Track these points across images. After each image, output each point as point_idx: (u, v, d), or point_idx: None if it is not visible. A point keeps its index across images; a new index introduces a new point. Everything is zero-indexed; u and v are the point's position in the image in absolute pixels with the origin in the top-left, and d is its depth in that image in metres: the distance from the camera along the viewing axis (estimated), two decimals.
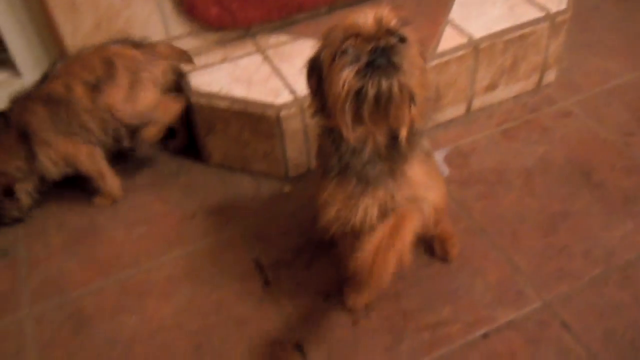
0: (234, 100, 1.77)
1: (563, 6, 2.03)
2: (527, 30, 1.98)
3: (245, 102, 1.76)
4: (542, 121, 2.02)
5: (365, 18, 1.08)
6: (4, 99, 1.93)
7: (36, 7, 1.78)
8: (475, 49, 1.91)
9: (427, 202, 1.26)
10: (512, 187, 1.78)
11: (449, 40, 1.91)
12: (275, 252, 1.65)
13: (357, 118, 1.10)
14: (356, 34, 1.07)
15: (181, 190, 1.87)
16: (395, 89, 1.06)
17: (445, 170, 1.83)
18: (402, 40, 1.08)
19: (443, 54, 1.88)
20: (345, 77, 1.05)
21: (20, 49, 1.87)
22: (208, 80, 1.84)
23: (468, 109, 2.06)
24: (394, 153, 1.19)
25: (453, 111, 2.03)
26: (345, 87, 1.06)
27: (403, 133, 1.15)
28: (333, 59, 1.08)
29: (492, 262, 1.58)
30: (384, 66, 1.05)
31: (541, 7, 2.03)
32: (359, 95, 1.07)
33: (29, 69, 1.92)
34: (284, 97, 1.75)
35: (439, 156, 1.88)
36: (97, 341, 1.49)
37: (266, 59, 1.92)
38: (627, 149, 1.88)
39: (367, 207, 1.24)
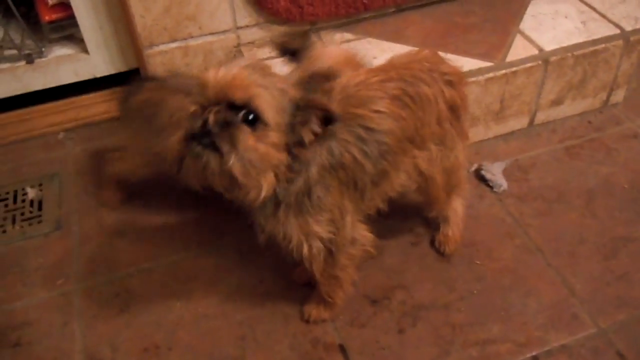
0: None
1: (639, 25, 1.96)
2: (599, 46, 1.91)
3: None
4: (607, 141, 1.96)
5: (212, 81, 1.00)
6: (69, 73, 1.98)
7: None
8: (545, 61, 1.86)
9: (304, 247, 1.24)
10: (572, 207, 1.73)
11: (518, 50, 1.87)
12: None
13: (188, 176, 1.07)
14: (200, 96, 1.01)
15: None
16: (213, 172, 1.00)
17: (504, 183, 1.79)
18: (253, 116, 1.00)
19: (511, 64, 1.83)
20: (172, 138, 1.01)
21: (91, 27, 1.90)
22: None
23: (531, 122, 2.01)
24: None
25: (515, 123, 1.98)
26: (170, 149, 1.02)
27: (246, 199, 1.11)
28: (175, 115, 1.07)
29: (547, 283, 1.53)
30: (206, 145, 0.99)
31: (616, 25, 1.96)
32: (179, 160, 1.03)
33: (97, 47, 1.96)
34: None
35: (497, 169, 1.83)
36: (141, 321, 1.50)
37: None
38: None
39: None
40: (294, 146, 1.08)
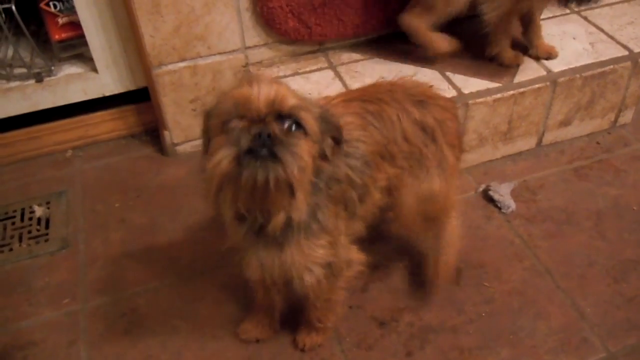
0: None
1: None
2: (607, 68, 1.91)
3: None
4: (616, 163, 1.95)
5: (257, 95, 0.99)
6: (78, 92, 1.99)
7: (120, 6, 1.82)
8: (553, 82, 1.86)
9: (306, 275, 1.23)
10: (581, 229, 1.72)
11: (527, 71, 1.87)
12: None
13: (232, 197, 1.05)
14: (244, 112, 1.00)
15: None
16: (272, 183, 0.98)
17: (512, 204, 1.78)
18: (296, 125, 1.02)
19: (520, 85, 1.83)
20: (221, 158, 0.98)
21: (100, 47, 1.91)
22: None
23: (539, 143, 2.00)
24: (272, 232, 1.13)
25: (523, 144, 1.98)
26: (219, 168, 0.99)
27: (278, 219, 1.09)
28: (220, 131, 1.02)
29: (556, 306, 1.51)
30: (264, 157, 0.97)
31: (624, 46, 1.96)
32: (233, 179, 1.00)
33: (106, 66, 1.96)
34: None
35: (505, 189, 1.82)
36: (147, 342, 1.49)
37: (337, 75, 1.91)
38: None
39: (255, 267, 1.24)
40: (318, 157, 1.10)
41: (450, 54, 1.85)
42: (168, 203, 1.87)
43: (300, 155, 1.00)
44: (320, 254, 1.20)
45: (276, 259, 1.19)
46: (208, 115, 1.08)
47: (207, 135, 1.07)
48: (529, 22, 1.88)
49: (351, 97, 1.30)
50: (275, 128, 0.99)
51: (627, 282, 1.57)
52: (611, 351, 1.42)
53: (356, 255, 1.31)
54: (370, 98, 1.29)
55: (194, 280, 1.63)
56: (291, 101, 1.01)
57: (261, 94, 1.00)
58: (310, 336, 1.44)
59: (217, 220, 1.27)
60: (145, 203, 1.88)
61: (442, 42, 1.84)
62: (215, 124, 1.04)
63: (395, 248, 1.62)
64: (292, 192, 1.02)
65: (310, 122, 1.04)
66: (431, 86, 1.44)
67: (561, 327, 1.47)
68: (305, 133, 1.03)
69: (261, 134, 0.97)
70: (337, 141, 1.13)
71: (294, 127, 1.02)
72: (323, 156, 1.11)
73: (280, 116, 1.01)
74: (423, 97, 1.32)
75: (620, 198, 1.81)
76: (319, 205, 1.17)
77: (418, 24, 1.83)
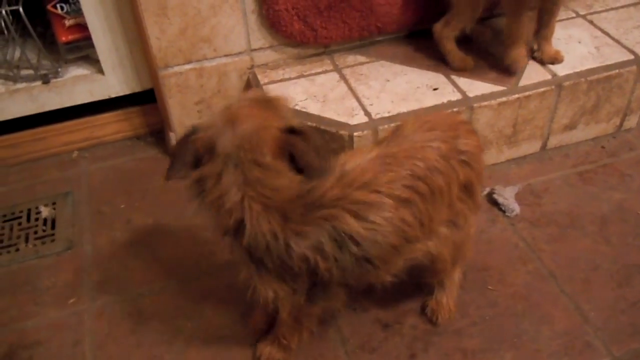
0: (308, 116, 1.77)
1: None
2: (613, 72, 1.91)
3: (319, 119, 1.76)
4: (621, 167, 1.95)
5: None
6: (85, 93, 2.00)
7: (126, 8, 1.84)
8: (558, 86, 1.86)
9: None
10: (585, 233, 1.72)
11: (532, 75, 1.87)
12: None
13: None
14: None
15: None
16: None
17: (516, 208, 1.78)
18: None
19: (525, 88, 1.83)
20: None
21: (107, 48, 1.92)
22: (284, 94, 1.84)
23: (544, 147, 2.00)
24: None
25: (528, 147, 1.98)
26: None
27: None
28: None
29: (560, 310, 1.52)
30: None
31: (630, 50, 1.96)
32: None
33: (112, 68, 1.98)
34: (359, 118, 1.74)
35: (509, 193, 1.82)
36: (152, 341, 1.50)
37: (342, 78, 1.91)
38: None
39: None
40: None
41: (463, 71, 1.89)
42: (173, 204, 1.88)
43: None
44: (286, 289, 1.19)
45: (250, 277, 1.21)
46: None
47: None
48: (544, 24, 1.88)
49: (399, 175, 1.16)
50: None
51: (631, 286, 1.57)
52: (615, 355, 1.42)
53: (335, 292, 1.27)
54: (423, 172, 1.17)
55: (199, 281, 1.64)
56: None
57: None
58: (272, 348, 1.41)
59: None
60: (151, 204, 1.89)
61: (458, 61, 1.89)
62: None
63: None
64: None
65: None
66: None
67: (565, 331, 1.47)
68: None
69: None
70: None
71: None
72: None
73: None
74: (469, 157, 1.25)
75: (625, 202, 1.81)
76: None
77: (446, 33, 1.87)
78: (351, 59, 2.00)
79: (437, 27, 1.88)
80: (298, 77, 1.92)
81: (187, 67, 1.87)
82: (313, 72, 1.94)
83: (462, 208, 1.28)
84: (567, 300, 1.54)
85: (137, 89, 2.06)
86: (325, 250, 1.12)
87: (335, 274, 1.16)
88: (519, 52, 1.84)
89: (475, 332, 1.47)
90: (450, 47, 1.89)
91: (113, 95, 2.05)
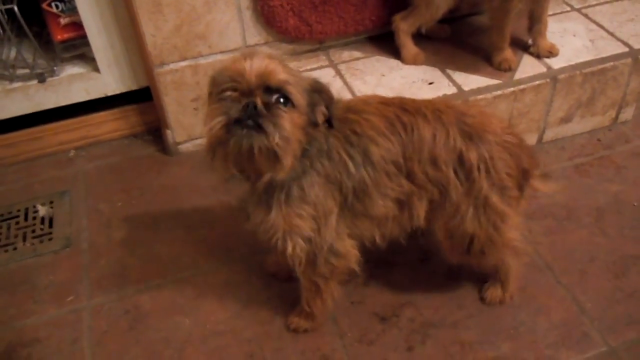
0: None
1: None
2: (608, 64, 1.92)
3: None
4: (617, 159, 1.95)
5: (249, 69, 1.09)
6: (81, 92, 2.00)
7: (121, 6, 1.84)
8: (554, 79, 1.86)
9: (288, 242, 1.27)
10: (581, 225, 1.72)
11: (527, 68, 1.88)
12: None
13: (223, 159, 1.15)
14: (237, 84, 1.09)
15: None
16: (256, 150, 1.09)
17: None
18: (284, 98, 1.10)
19: (520, 82, 1.84)
20: (213, 124, 1.09)
21: (102, 47, 1.93)
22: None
23: (540, 140, 2.01)
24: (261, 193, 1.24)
25: None
26: (211, 133, 1.10)
27: (263, 180, 1.18)
28: (215, 98, 1.12)
29: (557, 301, 1.52)
30: (249, 126, 1.08)
31: (624, 43, 1.97)
32: (222, 144, 1.11)
33: (108, 66, 1.98)
34: None
35: None
36: (150, 338, 1.50)
37: (338, 73, 1.92)
38: None
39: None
40: (308, 126, 1.18)
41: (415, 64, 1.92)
42: (170, 202, 1.88)
43: (283, 125, 1.09)
44: (297, 223, 1.24)
45: (263, 219, 1.26)
46: (211, 82, 1.17)
47: (209, 100, 1.17)
48: (535, 20, 1.89)
49: (392, 102, 1.30)
50: (262, 100, 1.09)
51: (627, 277, 1.57)
52: (611, 345, 1.42)
53: (347, 248, 1.31)
54: (410, 109, 1.28)
55: (197, 277, 1.64)
56: (280, 76, 1.10)
57: (253, 68, 1.09)
58: (299, 318, 1.47)
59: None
60: (148, 202, 1.89)
61: (409, 54, 1.92)
62: (213, 92, 1.14)
63: (395, 244, 1.63)
64: (276, 157, 1.11)
65: (297, 95, 1.12)
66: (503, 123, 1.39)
67: (561, 321, 1.47)
68: (293, 105, 1.12)
69: (249, 105, 1.07)
70: (330, 111, 1.20)
71: (281, 100, 1.11)
72: (312, 124, 1.19)
73: (269, 89, 1.10)
74: (476, 130, 1.27)
75: (621, 194, 1.82)
76: (305, 173, 1.22)
77: (402, 26, 1.88)
78: (347, 54, 2.01)
79: (397, 18, 1.89)
80: None
81: (183, 64, 1.87)
82: (309, 67, 1.95)
83: (454, 182, 1.27)
84: (563, 291, 1.54)
85: (134, 87, 2.06)
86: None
87: (351, 171, 1.24)
88: (504, 54, 1.86)
89: (472, 324, 1.47)
90: (404, 40, 1.90)
91: (109, 94, 2.05)
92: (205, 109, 1.18)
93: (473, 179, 1.27)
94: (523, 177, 1.33)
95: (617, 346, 1.42)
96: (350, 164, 1.24)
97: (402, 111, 1.27)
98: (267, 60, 1.11)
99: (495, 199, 1.28)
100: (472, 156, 1.26)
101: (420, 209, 1.31)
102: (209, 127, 1.10)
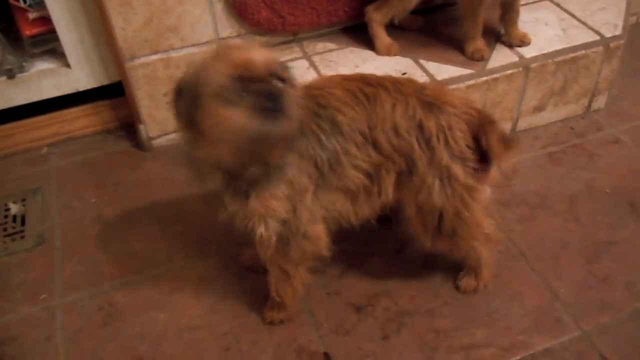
0: None
1: (618, 32, 1.99)
2: (579, 53, 1.93)
3: None
4: (589, 147, 1.97)
5: (255, 58, 1.08)
6: (51, 88, 1.97)
7: (90, 0, 1.81)
8: (526, 68, 1.88)
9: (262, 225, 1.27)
10: (555, 212, 1.74)
11: (499, 57, 1.88)
12: None
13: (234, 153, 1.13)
14: (244, 74, 1.06)
15: None
16: (283, 135, 1.10)
17: (487, 189, 1.79)
18: (286, 82, 1.10)
19: (492, 71, 1.85)
20: (236, 117, 1.06)
21: (72, 41, 1.90)
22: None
23: (513, 129, 2.02)
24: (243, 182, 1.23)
25: None
26: (235, 127, 1.07)
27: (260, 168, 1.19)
28: (217, 94, 1.07)
29: (530, 287, 1.53)
30: (272, 110, 1.07)
31: (596, 31, 1.98)
32: (251, 136, 1.08)
33: (78, 61, 1.95)
34: None
35: None
36: (125, 335, 1.49)
37: (312, 65, 1.91)
38: None
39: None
40: None
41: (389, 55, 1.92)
42: (144, 197, 1.87)
43: (295, 107, 1.10)
44: (273, 206, 1.24)
45: (240, 207, 1.26)
46: (189, 84, 1.12)
47: (189, 103, 1.11)
48: (508, 8, 1.90)
49: (354, 77, 1.34)
50: (280, 88, 1.08)
51: (600, 262, 1.59)
52: (584, 330, 1.44)
53: (317, 231, 1.32)
54: (372, 82, 1.31)
55: (172, 272, 1.63)
56: (280, 62, 1.12)
57: (257, 56, 1.08)
58: (271, 311, 1.47)
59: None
60: (122, 198, 1.87)
61: (382, 45, 1.92)
62: (209, 90, 1.08)
63: (370, 234, 1.63)
64: (292, 139, 1.14)
65: (292, 76, 1.14)
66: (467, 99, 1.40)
67: (535, 307, 1.48)
68: (294, 87, 1.13)
69: (265, 90, 1.06)
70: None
71: (281, 83, 1.10)
72: None
73: (275, 75, 1.09)
74: (435, 101, 1.30)
75: (593, 181, 1.84)
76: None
77: (375, 17, 1.89)
78: (320, 46, 2.00)
79: (369, 9, 1.90)
80: None
81: (154, 57, 1.85)
82: (282, 59, 1.93)
83: (418, 152, 1.28)
84: (537, 277, 1.56)
85: (105, 82, 2.04)
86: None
87: (324, 143, 1.26)
88: (477, 44, 1.87)
89: (447, 312, 1.48)
90: (377, 31, 1.91)
91: (81, 89, 2.02)
92: (204, 114, 1.10)
93: (433, 148, 1.28)
94: (484, 150, 1.32)
95: (590, 330, 1.44)
96: (322, 136, 1.25)
97: (364, 84, 1.30)
98: (262, 48, 1.12)
99: (457, 170, 1.29)
100: (431, 125, 1.28)
101: (389, 183, 1.32)
102: (229, 120, 1.06)
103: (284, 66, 1.13)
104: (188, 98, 1.11)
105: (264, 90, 1.06)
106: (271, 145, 1.12)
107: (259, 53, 1.09)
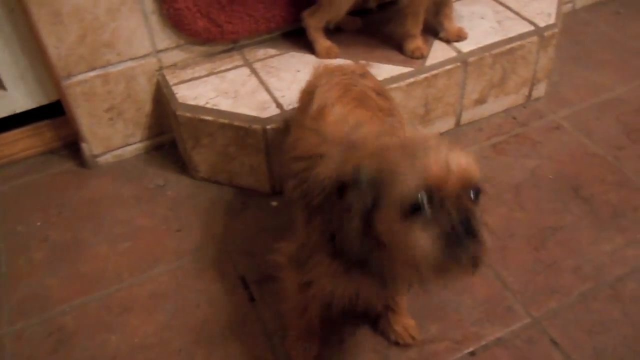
0: (220, 113, 1.75)
1: (551, 21, 2.03)
2: (515, 44, 1.97)
3: (231, 115, 1.74)
4: (532, 135, 2.01)
5: (451, 169, 0.89)
6: None
7: (20, 19, 1.77)
8: (464, 62, 1.90)
9: None
10: (501, 202, 1.77)
11: (437, 53, 1.91)
12: (261, 267, 1.62)
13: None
14: (435, 188, 0.89)
15: (167, 204, 1.85)
16: (474, 264, 0.92)
17: None
18: (477, 195, 0.93)
19: (431, 67, 1.87)
20: (422, 243, 0.89)
21: (5, 63, 1.85)
22: (194, 93, 1.82)
23: (457, 123, 2.05)
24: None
25: (442, 125, 2.02)
26: (425, 258, 0.90)
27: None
28: (404, 206, 0.90)
29: (480, 278, 1.55)
30: (467, 238, 0.89)
31: (530, 22, 2.03)
32: (435, 263, 0.90)
33: (13, 83, 1.90)
34: (271, 111, 1.74)
35: None
36: (76, 359, 1.46)
37: (253, 72, 1.90)
38: (616, 162, 1.87)
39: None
40: None
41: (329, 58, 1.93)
42: (91, 216, 1.83)
43: (486, 227, 0.93)
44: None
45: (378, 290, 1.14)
46: (364, 185, 0.96)
47: (365, 209, 0.96)
48: (441, 4, 1.92)
49: (349, 99, 1.34)
50: (473, 207, 0.91)
51: (546, 248, 1.62)
52: (534, 316, 1.46)
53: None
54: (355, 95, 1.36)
55: (121, 292, 1.60)
56: (478, 171, 0.94)
57: (454, 169, 0.90)
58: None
59: None
60: (68, 219, 1.83)
61: (322, 48, 1.93)
62: (391, 203, 0.92)
63: None
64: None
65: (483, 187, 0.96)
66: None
67: (485, 298, 1.51)
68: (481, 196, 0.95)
69: (463, 214, 0.89)
70: None
71: (475, 196, 0.94)
72: None
73: (468, 188, 0.92)
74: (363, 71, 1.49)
75: (537, 169, 1.87)
76: None
77: (311, 22, 1.90)
78: (261, 52, 1.99)
79: (305, 15, 1.91)
80: (208, 75, 1.90)
81: (92, 74, 1.82)
82: (223, 68, 1.93)
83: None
84: (486, 269, 1.57)
85: (44, 102, 1.99)
86: None
87: None
88: (417, 43, 1.89)
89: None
90: (315, 35, 1.93)
91: (18, 111, 1.97)
92: (385, 224, 0.95)
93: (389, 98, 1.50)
94: None
95: (540, 316, 1.46)
96: None
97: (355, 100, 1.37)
98: (461, 153, 0.93)
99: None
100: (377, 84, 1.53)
101: None
102: (413, 244, 0.90)
103: (481, 178, 0.94)
104: (367, 196, 0.95)
105: (456, 210, 0.88)
106: (459, 272, 0.93)
107: (457, 159, 0.91)
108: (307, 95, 1.40)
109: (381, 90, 1.48)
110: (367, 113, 1.32)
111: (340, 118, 1.24)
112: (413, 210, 0.89)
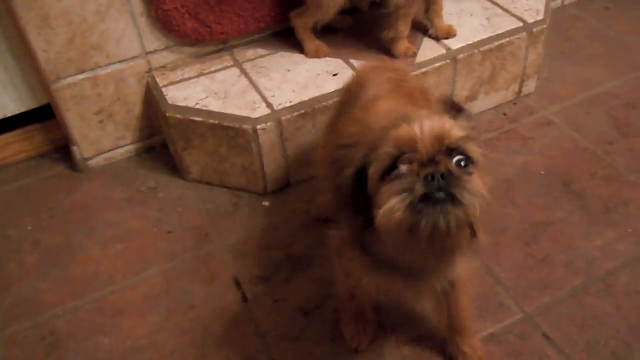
0: (210, 114, 1.75)
1: (540, 16, 2.04)
2: (504, 40, 1.97)
3: (221, 116, 1.74)
4: (522, 131, 2.02)
5: (423, 132, 0.91)
6: None
7: (7, 23, 1.76)
8: (454, 59, 1.91)
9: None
10: (493, 198, 1.75)
11: (427, 51, 1.91)
12: (254, 268, 1.63)
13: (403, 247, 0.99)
14: (410, 152, 0.91)
15: (159, 206, 1.84)
16: (453, 226, 0.89)
17: None
18: (466, 162, 0.93)
19: (421, 65, 1.87)
20: (394, 207, 0.89)
21: None
22: (184, 94, 1.81)
23: None
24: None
25: None
26: (393, 219, 0.90)
27: (455, 260, 1.06)
28: (381, 177, 0.93)
29: (472, 275, 1.55)
30: (442, 200, 0.88)
31: (519, 18, 2.03)
32: (409, 229, 0.91)
33: (3, 87, 1.90)
34: (261, 111, 1.74)
35: None
36: None
37: (243, 72, 1.90)
38: (606, 157, 1.88)
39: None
40: None
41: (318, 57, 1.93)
42: (83, 219, 1.82)
43: (477, 192, 0.91)
44: None
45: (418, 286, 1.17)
46: (358, 169, 0.99)
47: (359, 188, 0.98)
48: (431, 1, 1.92)
49: (400, 94, 1.33)
50: (448, 167, 0.91)
51: (538, 243, 1.62)
52: (526, 311, 1.47)
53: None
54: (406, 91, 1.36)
55: (114, 294, 1.60)
56: (458, 132, 0.93)
57: (427, 131, 0.91)
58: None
59: None
60: (60, 222, 1.83)
61: (310, 48, 1.93)
62: (374, 173, 0.95)
63: (315, 238, 1.64)
64: (473, 233, 0.96)
65: (477, 151, 0.95)
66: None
67: (478, 294, 1.51)
68: (475, 163, 0.94)
69: (434, 175, 0.89)
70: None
71: (462, 162, 0.93)
72: None
73: (449, 151, 0.92)
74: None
75: (528, 164, 1.88)
76: None
77: (298, 23, 1.90)
78: (251, 52, 1.99)
79: (293, 15, 1.91)
80: (198, 76, 1.89)
81: (81, 77, 1.81)
82: (213, 69, 1.92)
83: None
84: (478, 265, 1.58)
85: (34, 105, 1.98)
86: None
87: None
88: (406, 43, 1.89)
89: (393, 306, 1.49)
90: (303, 35, 1.93)
91: (8, 115, 1.97)
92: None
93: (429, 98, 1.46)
94: None
95: (532, 311, 1.47)
96: None
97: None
98: (438, 117, 0.94)
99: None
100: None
101: None
102: (388, 210, 0.90)
103: (462, 138, 0.93)
104: (359, 162, 0.98)
105: (430, 174, 0.89)
106: (443, 239, 0.92)
107: (430, 122, 0.92)
108: (356, 87, 1.38)
109: (425, 91, 1.46)
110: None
111: (388, 110, 1.20)
112: (389, 171, 0.92)
